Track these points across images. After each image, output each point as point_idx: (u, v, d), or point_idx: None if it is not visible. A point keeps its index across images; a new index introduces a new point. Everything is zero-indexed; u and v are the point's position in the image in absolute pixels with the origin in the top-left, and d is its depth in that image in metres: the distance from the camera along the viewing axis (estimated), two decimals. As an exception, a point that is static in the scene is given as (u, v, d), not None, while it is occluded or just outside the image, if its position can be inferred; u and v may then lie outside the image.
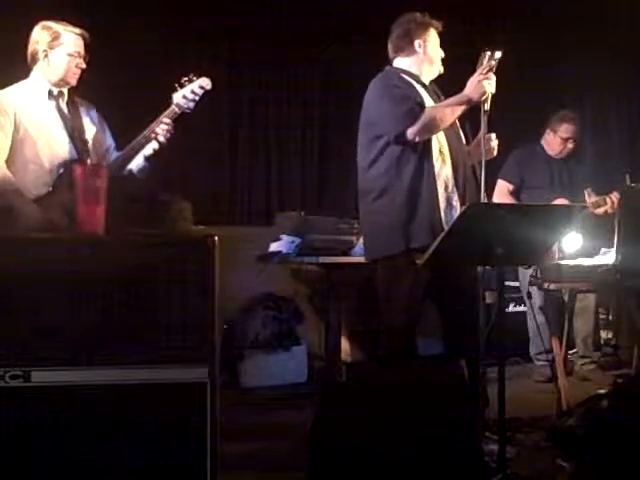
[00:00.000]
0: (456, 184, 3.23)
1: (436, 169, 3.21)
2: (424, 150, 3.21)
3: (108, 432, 2.28)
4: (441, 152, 3.24)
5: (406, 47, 3.37)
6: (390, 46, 3.43)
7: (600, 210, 4.63)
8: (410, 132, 3.16)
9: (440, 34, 3.39)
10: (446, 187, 3.21)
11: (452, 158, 3.25)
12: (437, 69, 3.38)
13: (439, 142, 3.25)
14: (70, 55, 3.19)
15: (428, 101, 3.28)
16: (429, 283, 3.21)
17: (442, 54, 3.38)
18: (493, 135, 3.31)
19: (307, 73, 6.11)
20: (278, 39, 5.84)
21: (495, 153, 3.36)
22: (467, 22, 5.84)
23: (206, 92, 3.16)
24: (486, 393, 3.29)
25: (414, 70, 3.35)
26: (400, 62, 3.39)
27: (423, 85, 3.34)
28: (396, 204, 3.20)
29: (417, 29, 3.36)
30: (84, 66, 3.23)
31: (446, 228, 3.09)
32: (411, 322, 3.27)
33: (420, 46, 3.35)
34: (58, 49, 3.19)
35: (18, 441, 2.25)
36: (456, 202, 3.22)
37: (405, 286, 3.21)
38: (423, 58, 3.35)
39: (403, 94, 3.24)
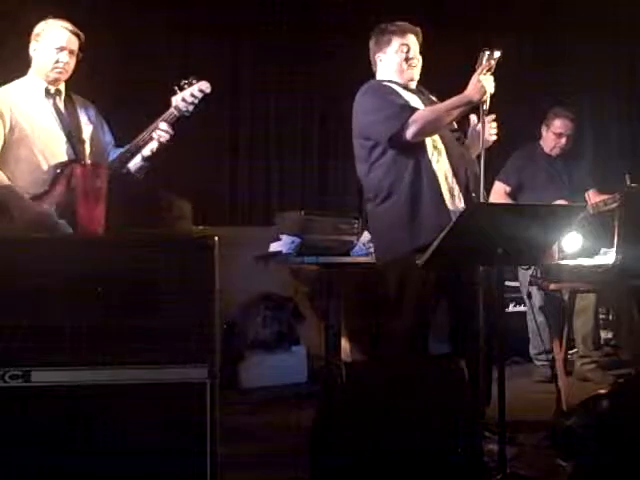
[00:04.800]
0: (455, 175, 3.24)
1: (433, 164, 3.22)
2: (419, 148, 3.23)
3: (108, 432, 2.28)
4: (435, 147, 3.25)
5: (381, 58, 3.41)
6: (371, 59, 3.48)
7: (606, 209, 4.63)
8: (409, 133, 3.17)
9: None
10: (446, 178, 3.23)
11: (447, 150, 3.26)
12: (409, 80, 3.38)
13: (432, 138, 3.25)
14: (57, 48, 3.17)
15: (415, 101, 3.29)
16: (445, 282, 3.22)
17: (417, 57, 3.37)
18: (491, 116, 3.25)
19: (308, 72, 6.10)
20: (279, 38, 5.84)
21: (494, 138, 3.28)
22: (467, 22, 5.85)
23: (205, 94, 3.17)
24: (489, 392, 3.29)
25: (395, 78, 3.37)
26: (380, 74, 3.44)
27: (407, 89, 3.35)
28: (400, 205, 3.22)
29: (381, 40, 3.39)
30: (67, 60, 3.19)
31: (450, 223, 3.12)
32: (423, 323, 3.28)
33: (387, 59, 3.38)
34: (45, 42, 3.18)
35: (18, 441, 2.25)
36: (458, 192, 3.23)
37: (415, 287, 3.21)
38: (392, 71, 3.37)
39: (390, 99, 3.27)
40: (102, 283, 2.30)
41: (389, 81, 3.36)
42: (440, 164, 3.23)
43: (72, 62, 3.22)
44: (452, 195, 3.22)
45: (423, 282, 3.19)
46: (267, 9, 5.80)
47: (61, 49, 3.18)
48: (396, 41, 3.36)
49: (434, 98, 3.45)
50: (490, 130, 3.25)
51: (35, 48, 3.20)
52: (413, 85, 3.41)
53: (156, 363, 2.32)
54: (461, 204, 3.19)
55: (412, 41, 3.37)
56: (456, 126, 3.39)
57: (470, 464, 2.55)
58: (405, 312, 3.28)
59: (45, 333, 2.27)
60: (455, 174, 3.24)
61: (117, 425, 2.29)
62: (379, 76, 3.44)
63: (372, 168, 3.30)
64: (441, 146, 3.26)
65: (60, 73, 3.20)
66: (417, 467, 2.49)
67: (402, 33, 3.36)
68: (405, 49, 3.34)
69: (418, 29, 3.40)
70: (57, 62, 3.18)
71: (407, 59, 3.35)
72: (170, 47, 5.53)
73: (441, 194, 3.20)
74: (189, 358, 2.32)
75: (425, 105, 3.31)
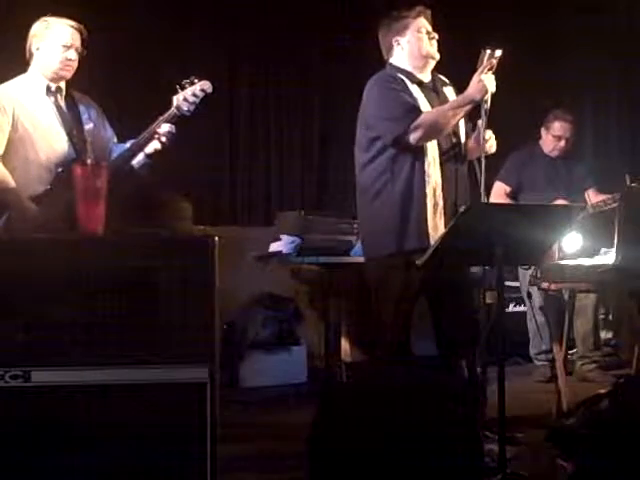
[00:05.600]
0: (444, 189, 3.23)
1: (427, 173, 3.21)
2: (418, 153, 3.22)
3: (108, 432, 2.28)
4: (433, 157, 3.23)
5: (393, 45, 3.38)
6: (381, 47, 3.44)
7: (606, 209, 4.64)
8: (412, 137, 3.16)
9: (441, 32, 3.38)
10: (434, 192, 3.21)
11: (442, 164, 3.24)
12: (431, 59, 3.34)
13: (431, 149, 3.24)
14: (63, 46, 3.17)
15: (422, 101, 3.26)
16: (428, 283, 3.22)
17: (435, 37, 3.34)
18: (489, 132, 3.27)
19: (308, 72, 6.11)
20: (279, 37, 5.85)
21: (494, 149, 3.32)
22: (468, 21, 5.85)
23: (206, 94, 3.17)
24: (485, 392, 3.29)
25: (408, 67, 3.34)
26: (394, 60, 3.39)
27: (419, 83, 3.32)
28: (390, 206, 3.21)
29: (397, 26, 3.35)
30: (75, 57, 3.20)
31: (431, 234, 3.14)
32: (402, 322, 3.27)
33: (406, 42, 3.34)
34: (49, 40, 3.17)
35: (18, 441, 2.25)
36: (441, 208, 3.21)
37: (396, 287, 3.22)
38: (412, 53, 3.33)
39: (398, 97, 3.23)
40: (102, 283, 2.30)
41: (404, 72, 3.33)
42: (432, 177, 3.21)
43: (77, 59, 3.23)
44: (435, 210, 3.20)
45: (406, 283, 3.19)
46: (266, 8, 5.80)
47: (68, 47, 3.18)
48: (413, 23, 3.32)
49: (447, 91, 3.42)
50: (489, 143, 3.26)
51: (39, 47, 3.19)
52: (432, 65, 3.36)
53: (156, 363, 2.31)
54: (441, 222, 3.18)
55: (418, 26, 3.34)
56: (463, 138, 3.38)
57: (470, 464, 2.54)
58: (383, 313, 3.29)
59: (45, 333, 2.27)
60: (443, 189, 3.22)
61: (117, 425, 2.28)
62: (395, 60, 3.37)
63: (370, 163, 3.28)
64: (437, 158, 3.24)
65: (68, 71, 3.21)
66: (417, 467, 2.49)
67: (417, 15, 3.33)
68: (424, 30, 3.32)
69: (428, 11, 3.38)
70: (66, 60, 3.18)
71: (429, 35, 3.31)
72: (169, 46, 5.53)
73: (425, 205, 3.19)
74: (189, 358, 2.32)
75: (433, 104, 3.28)
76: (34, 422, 2.25)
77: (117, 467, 2.28)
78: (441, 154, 3.25)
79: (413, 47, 3.33)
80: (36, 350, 2.27)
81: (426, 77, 3.37)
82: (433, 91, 3.36)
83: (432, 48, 3.34)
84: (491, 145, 3.29)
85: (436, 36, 3.34)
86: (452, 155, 3.30)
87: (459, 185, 3.29)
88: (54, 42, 3.17)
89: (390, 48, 3.40)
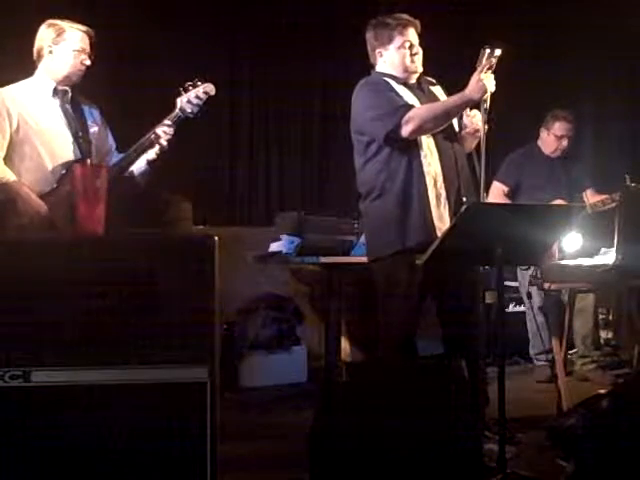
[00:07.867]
0: (445, 179, 3.22)
1: (424, 166, 3.20)
2: (412, 148, 3.21)
3: (108, 432, 2.28)
4: (429, 149, 3.23)
5: (377, 56, 3.37)
6: (367, 49, 3.43)
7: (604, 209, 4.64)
8: (405, 131, 3.15)
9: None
10: (435, 183, 3.20)
11: (440, 153, 3.24)
12: (413, 73, 3.33)
13: (427, 140, 3.23)
14: (75, 51, 3.19)
15: (410, 99, 3.26)
16: (428, 283, 3.22)
17: (419, 51, 3.32)
18: (474, 110, 3.24)
19: (308, 72, 6.11)
20: (279, 37, 5.85)
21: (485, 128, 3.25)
22: (467, 20, 5.86)
23: (209, 96, 3.19)
24: (486, 392, 3.29)
25: (394, 72, 3.33)
26: (380, 67, 3.39)
27: (405, 85, 3.32)
28: (391, 204, 3.21)
29: (383, 34, 3.33)
30: (89, 63, 3.23)
31: (437, 225, 3.13)
32: (409, 322, 3.27)
33: (388, 56, 3.33)
34: (62, 45, 3.19)
35: (18, 441, 2.25)
36: (444, 199, 3.20)
37: (402, 285, 3.22)
38: (394, 67, 3.32)
39: (385, 96, 3.23)
40: (102, 283, 2.30)
41: (389, 75, 3.33)
42: (431, 167, 3.20)
43: (88, 62, 3.25)
44: (438, 201, 3.19)
45: (409, 282, 3.19)
46: (266, 8, 5.81)
47: (81, 51, 3.20)
48: (398, 38, 3.30)
49: (436, 90, 3.41)
50: (475, 119, 3.24)
51: (52, 50, 3.20)
52: (415, 77, 3.37)
53: (156, 363, 2.31)
54: (445, 211, 3.18)
55: (413, 35, 3.32)
56: (456, 123, 3.37)
57: (470, 464, 2.54)
58: (391, 311, 3.28)
59: (45, 333, 2.27)
60: (445, 179, 3.22)
61: (117, 425, 2.29)
62: (379, 69, 3.38)
63: (367, 164, 3.28)
64: (434, 148, 3.23)
65: (80, 76, 3.23)
66: (417, 467, 2.49)
67: (403, 28, 3.29)
68: (407, 45, 3.29)
69: (417, 21, 3.34)
70: (80, 65, 3.20)
71: (410, 54, 3.30)
72: (169, 48, 5.53)
73: (427, 197, 3.18)
74: (189, 358, 2.32)
75: (421, 102, 3.28)
76: (34, 422, 2.26)
77: (117, 467, 2.28)
78: (437, 145, 3.24)
79: (395, 62, 3.32)
80: (36, 350, 2.27)
81: (411, 80, 3.37)
82: (419, 90, 3.36)
83: (413, 64, 3.31)
84: (477, 121, 3.25)
85: (420, 51, 3.32)
86: (449, 142, 3.29)
87: (461, 173, 3.28)
88: (68, 47, 3.19)
89: (374, 57, 3.40)
